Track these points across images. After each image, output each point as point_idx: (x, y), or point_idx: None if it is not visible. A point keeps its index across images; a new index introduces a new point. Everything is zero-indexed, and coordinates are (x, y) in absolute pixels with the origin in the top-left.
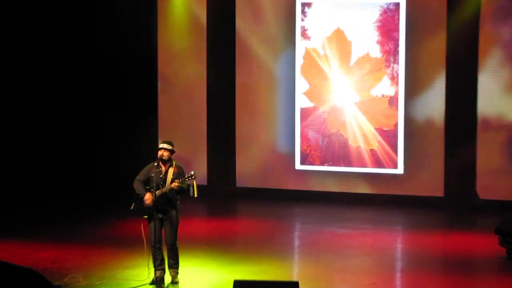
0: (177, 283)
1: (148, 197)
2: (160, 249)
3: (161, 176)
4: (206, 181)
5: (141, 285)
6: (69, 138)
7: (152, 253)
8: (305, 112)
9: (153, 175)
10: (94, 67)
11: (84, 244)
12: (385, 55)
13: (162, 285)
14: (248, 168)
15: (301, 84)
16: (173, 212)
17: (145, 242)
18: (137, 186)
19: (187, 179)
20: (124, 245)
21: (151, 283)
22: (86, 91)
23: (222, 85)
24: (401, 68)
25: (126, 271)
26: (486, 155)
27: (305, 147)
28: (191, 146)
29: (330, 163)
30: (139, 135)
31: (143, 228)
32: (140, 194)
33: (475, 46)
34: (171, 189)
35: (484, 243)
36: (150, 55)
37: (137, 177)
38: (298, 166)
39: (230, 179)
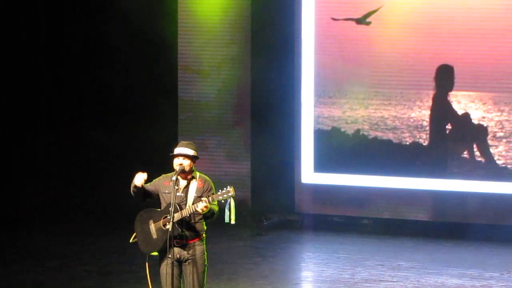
0: None
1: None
2: None
3: (179, 194)
4: (249, 201)
5: None
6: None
7: None
8: None
9: (167, 191)
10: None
11: None
12: None
13: None
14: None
15: None
16: (198, 250)
17: None
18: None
19: (220, 198)
20: None
21: None
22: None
23: None
24: None
25: None
26: None
27: None
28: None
29: None
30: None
31: (149, 272)
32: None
33: None
34: (195, 213)
35: None
36: None
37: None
38: None
39: (286, 199)
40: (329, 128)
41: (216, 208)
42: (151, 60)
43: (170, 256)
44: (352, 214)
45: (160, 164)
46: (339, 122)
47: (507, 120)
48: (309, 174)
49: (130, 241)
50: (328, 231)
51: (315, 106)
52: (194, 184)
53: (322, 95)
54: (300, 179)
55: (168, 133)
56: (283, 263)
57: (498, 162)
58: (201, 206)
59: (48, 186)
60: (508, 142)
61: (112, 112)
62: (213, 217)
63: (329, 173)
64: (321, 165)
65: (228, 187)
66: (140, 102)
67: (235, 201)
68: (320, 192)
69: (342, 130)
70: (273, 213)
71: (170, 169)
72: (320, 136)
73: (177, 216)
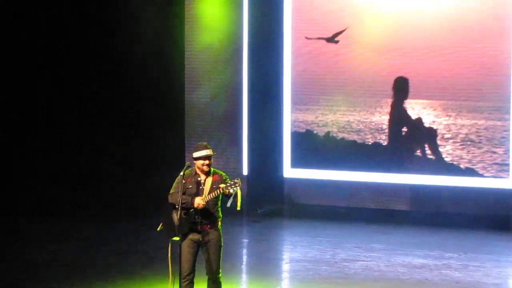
0: None
1: (198, 201)
2: (192, 283)
3: (201, 187)
4: (246, 193)
5: None
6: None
7: None
8: None
9: (190, 186)
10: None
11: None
12: None
13: None
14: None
15: None
16: (215, 234)
17: (170, 273)
18: (176, 198)
19: (229, 188)
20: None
21: None
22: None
23: None
24: None
25: None
26: None
27: None
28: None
29: None
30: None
31: (170, 252)
32: (186, 204)
33: None
34: (218, 195)
35: None
36: None
37: (171, 192)
38: None
39: (277, 192)
40: (304, 130)
41: (232, 192)
42: (151, 61)
43: (190, 237)
44: (326, 204)
45: (160, 165)
46: (312, 125)
47: (453, 124)
48: (287, 169)
49: (158, 229)
50: (311, 219)
51: (292, 112)
52: (210, 179)
53: (298, 102)
54: (282, 174)
55: (167, 134)
56: (274, 245)
57: (446, 159)
58: (222, 186)
59: (48, 186)
60: (454, 142)
61: (112, 112)
62: (228, 200)
63: (304, 168)
64: (297, 162)
65: (236, 179)
66: (140, 102)
67: (241, 191)
68: (296, 185)
69: (315, 132)
70: (266, 203)
71: (169, 170)
72: (296, 137)
73: (197, 202)
